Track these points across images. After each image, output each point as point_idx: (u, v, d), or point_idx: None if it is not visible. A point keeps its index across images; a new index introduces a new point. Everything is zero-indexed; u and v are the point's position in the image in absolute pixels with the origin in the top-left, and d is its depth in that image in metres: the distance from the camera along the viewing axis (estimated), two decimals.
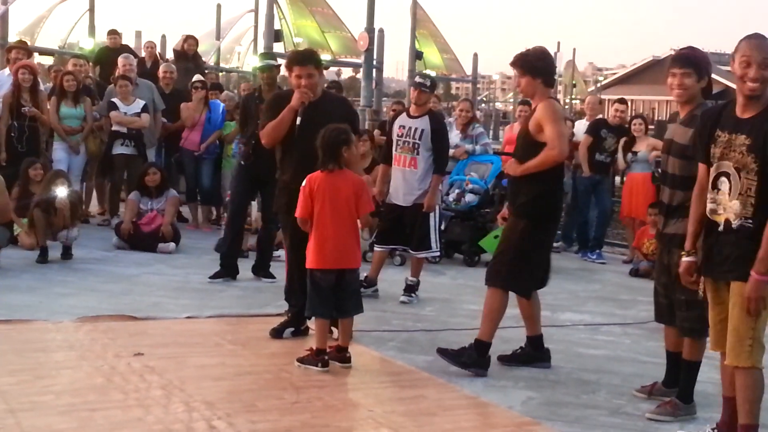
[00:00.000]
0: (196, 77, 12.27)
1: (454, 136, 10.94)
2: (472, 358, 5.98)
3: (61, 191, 9.09)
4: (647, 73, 60.28)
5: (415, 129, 8.19)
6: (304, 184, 5.91)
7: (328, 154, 5.89)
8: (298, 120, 6.36)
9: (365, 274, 8.22)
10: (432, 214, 8.20)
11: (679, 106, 5.45)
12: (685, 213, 5.17)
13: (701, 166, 4.74)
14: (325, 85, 8.41)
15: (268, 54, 10.57)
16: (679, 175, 5.29)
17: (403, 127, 8.26)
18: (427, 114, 8.27)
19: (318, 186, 5.87)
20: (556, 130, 5.88)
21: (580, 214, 11.77)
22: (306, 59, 6.50)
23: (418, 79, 8.60)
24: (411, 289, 8.26)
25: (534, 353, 6.27)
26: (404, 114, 8.50)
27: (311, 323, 6.27)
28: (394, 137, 8.30)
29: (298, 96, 6.35)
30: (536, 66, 6.01)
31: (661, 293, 5.53)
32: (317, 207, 5.87)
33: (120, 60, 12.23)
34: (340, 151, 5.91)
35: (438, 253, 8.83)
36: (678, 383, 5.53)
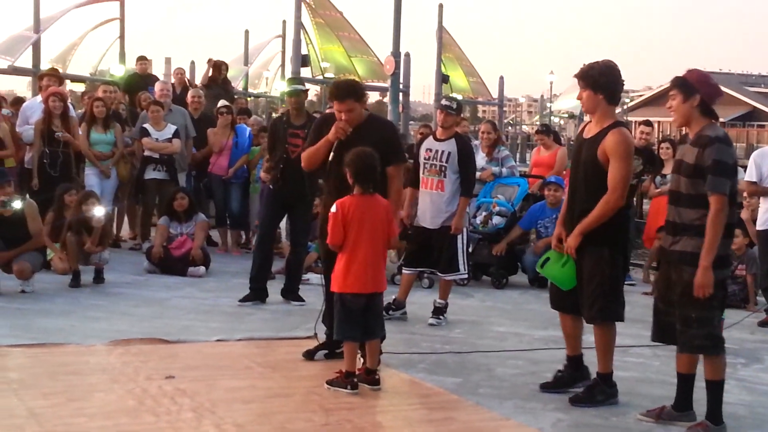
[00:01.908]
0: (221, 102, 12.37)
1: (480, 159, 10.99)
2: (605, 393, 5.93)
3: (97, 210, 9.18)
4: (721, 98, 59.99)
5: (442, 152, 8.23)
6: (334, 209, 5.91)
7: (365, 176, 5.91)
8: (331, 154, 6.39)
9: (393, 297, 8.26)
10: (460, 237, 8.22)
11: (688, 129, 5.49)
12: (694, 231, 5.23)
13: None
14: None
15: (296, 79, 10.66)
16: (686, 194, 5.31)
17: (430, 150, 8.30)
18: (453, 137, 8.31)
19: (352, 211, 5.88)
20: (623, 173, 5.70)
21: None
22: (346, 94, 6.40)
23: (444, 101, 8.64)
24: (439, 311, 8.28)
25: (575, 373, 6.19)
26: (431, 137, 8.54)
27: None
28: (421, 160, 8.34)
29: (334, 131, 6.38)
30: (599, 81, 5.79)
31: (663, 311, 5.51)
32: (352, 232, 5.88)
33: (157, 85, 12.41)
34: (376, 172, 5.95)
35: (466, 276, 8.84)
36: (688, 406, 5.49)
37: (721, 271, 5.31)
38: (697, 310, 5.26)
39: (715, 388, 5.41)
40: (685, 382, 5.53)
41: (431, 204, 8.23)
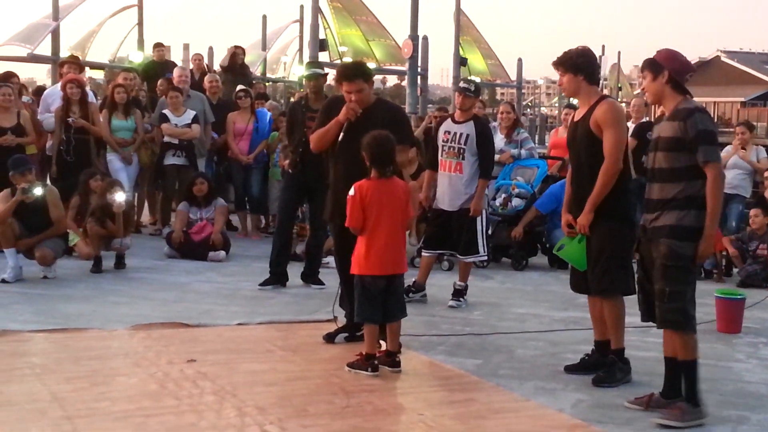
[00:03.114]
0: (240, 87, 12.39)
1: (499, 140, 10.98)
2: (624, 370, 5.96)
3: (118, 196, 9.24)
4: (694, 75, 59.58)
5: (461, 134, 8.21)
6: (352, 193, 5.91)
7: (382, 159, 5.92)
8: (341, 135, 6.40)
9: (413, 279, 8.26)
10: (479, 219, 8.21)
11: (662, 107, 5.52)
12: (674, 205, 5.22)
13: None
14: None
15: (315, 63, 10.62)
16: (666, 168, 5.29)
17: (449, 132, 8.29)
18: (472, 119, 8.29)
19: (371, 194, 5.89)
20: (615, 138, 5.79)
21: None
22: (355, 75, 6.44)
23: (462, 84, 8.61)
24: (459, 293, 8.28)
25: (602, 359, 6.11)
26: (449, 119, 8.52)
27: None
28: (440, 143, 8.33)
29: (344, 112, 6.39)
30: (577, 63, 5.92)
31: (648, 290, 5.45)
32: (372, 215, 5.88)
33: (176, 71, 12.45)
34: (394, 155, 5.96)
35: (486, 258, 8.82)
36: (677, 393, 5.35)
37: (694, 244, 5.23)
38: (670, 283, 5.20)
39: (688, 368, 5.29)
40: (672, 368, 5.42)
41: (450, 186, 8.22)
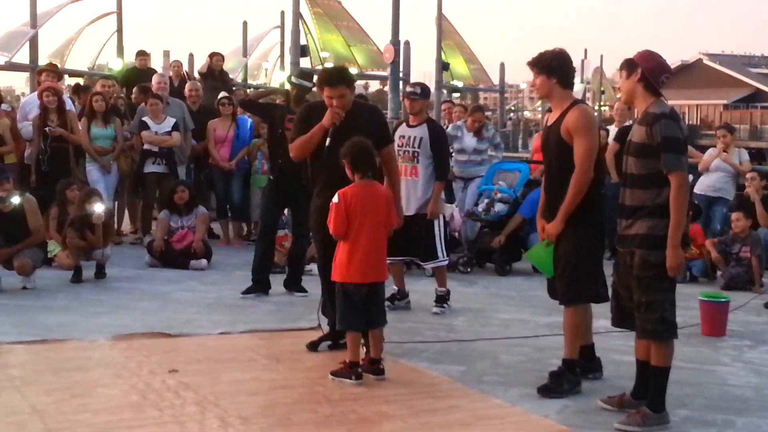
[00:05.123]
0: (222, 94, 12.33)
1: (470, 138, 11.23)
2: (572, 381, 5.84)
3: (97, 207, 9.16)
4: (676, 78, 59.99)
5: (414, 137, 8.22)
6: (336, 200, 5.86)
7: (364, 163, 5.90)
8: (328, 140, 6.34)
9: (395, 288, 8.23)
10: (436, 222, 8.20)
11: (635, 106, 5.46)
12: (645, 212, 5.17)
13: None
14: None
15: (305, 73, 10.16)
16: (637, 174, 5.24)
17: (403, 136, 8.29)
18: (425, 122, 8.30)
19: (354, 200, 5.84)
20: (586, 147, 5.67)
21: (610, 220, 11.67)
22: (337, 80, 6.38)
23: (408, 88, 8.68)
24: (442, 299, 8.24)
25: (586, 364, 6.08)
26: (404, 124, 8.54)
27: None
28: (396, 147, 8.27)
29: (329, 117, 6.34)
30: (551, 65, 5.81)
31: (621, 296, 5.41)
32: (355, 221, 5.84)
33: (155, 78, 12.37)
34: (374, 160, 5.94)
35: (446, 262, 8.57)
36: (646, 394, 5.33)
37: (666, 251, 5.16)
38: (647, 293, 5.15)
39: (660, 375, 5.27)
40: (644, 370, 5.39)
41: (406, 190, 8.12)
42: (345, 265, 5.90)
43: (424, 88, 8.59)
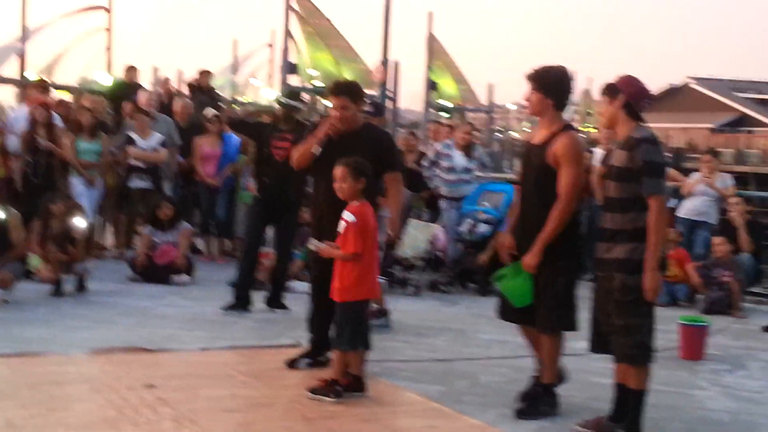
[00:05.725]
0: (211, 112, 12.33)
1: (459, 157, 11.24)
2: (549, 404, 5.83)
3: (78, 221, 9.14)
4: (663, 101, 60.27)
5: None
6: (353, 218, 5.77)
7: (366, 179, 5.86)
8: (318, 149, 6.31)
9: (376, 306, 8.21)
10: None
11: (616, 132, 5.41)
12: (625, 236, 5.16)
13: None
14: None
15: (295, 94, 9.85)
16: (616, 198, 5.24)
17: None
18: None
19: (368, 220, 5.83)
20: (572, 178, 5.56)
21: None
22: (341, 91, 6.36)
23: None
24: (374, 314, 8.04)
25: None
26: None
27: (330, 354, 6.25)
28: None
29: (324, 126, 6.34)
30: (551, 87, 5.70)
31: (600, 321, 5.39)
32: (369, 240, 5.83)
33: (142, 94, 12.39)
34: (367, 177, 5.90)
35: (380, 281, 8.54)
36: (625, 416, 5.33)
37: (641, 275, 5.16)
38: (626, 317, 5.17)
39: (637, 398, 5.28)
40: (622, 393, 5.39)
41: None
42: (364, 283, 5.86)
43: (378, 105, 8.56)
